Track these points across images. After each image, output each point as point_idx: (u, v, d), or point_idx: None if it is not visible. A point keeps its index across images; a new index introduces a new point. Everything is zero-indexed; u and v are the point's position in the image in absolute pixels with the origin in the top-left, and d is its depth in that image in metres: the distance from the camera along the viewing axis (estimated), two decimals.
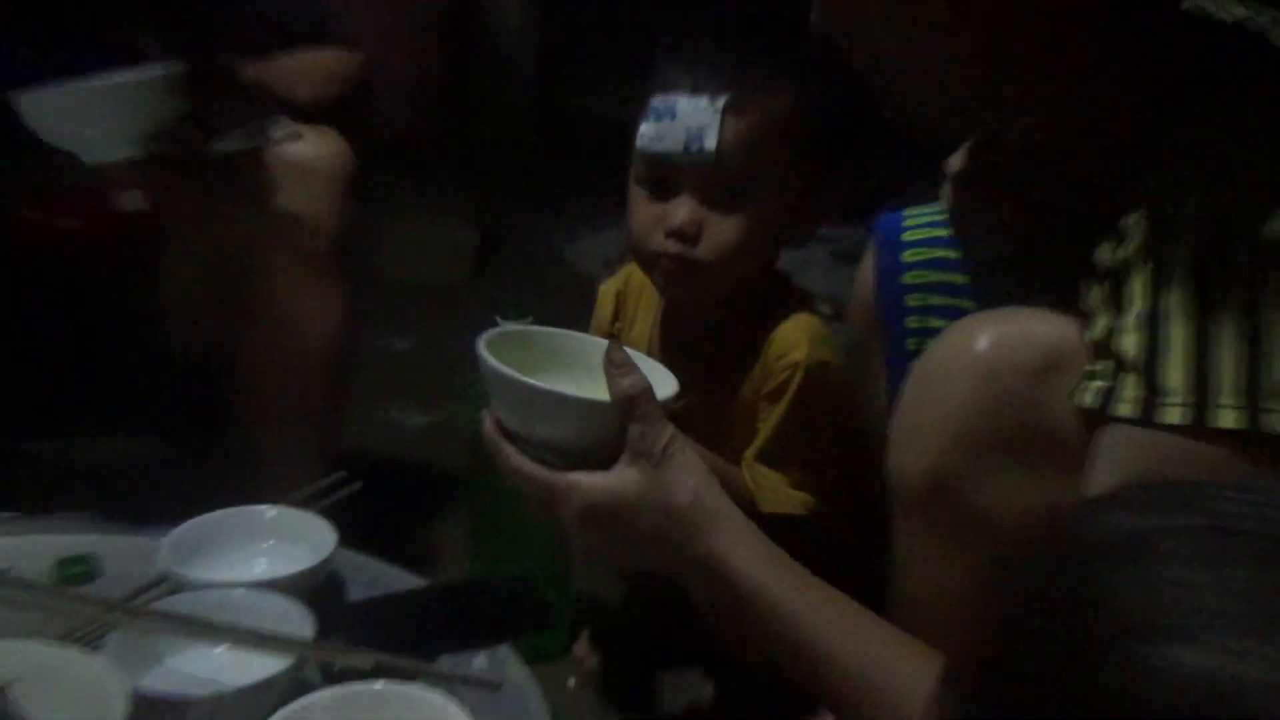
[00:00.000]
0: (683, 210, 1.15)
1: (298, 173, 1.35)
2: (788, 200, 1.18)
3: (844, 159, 1.22)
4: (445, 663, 0.96)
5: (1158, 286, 0.70)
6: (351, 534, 1.10)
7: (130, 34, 1.25)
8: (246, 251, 1.38)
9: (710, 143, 1.11)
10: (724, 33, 1.20)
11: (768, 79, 1.13)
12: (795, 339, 1.21)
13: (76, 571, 1.09)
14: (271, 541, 1.10)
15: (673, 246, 1.16)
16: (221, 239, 1.40)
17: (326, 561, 1.04)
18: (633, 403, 0.83)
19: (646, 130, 1.15)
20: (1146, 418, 0.69)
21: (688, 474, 0.82)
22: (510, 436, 0.87)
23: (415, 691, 0.86)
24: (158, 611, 0.95)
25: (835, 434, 1.20)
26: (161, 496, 1.20)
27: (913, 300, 1.05)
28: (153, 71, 1.19)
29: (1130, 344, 0.71)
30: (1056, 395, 0.76)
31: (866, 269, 1.12)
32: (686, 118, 1.12)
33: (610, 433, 0.84)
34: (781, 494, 1.18)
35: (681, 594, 1.25)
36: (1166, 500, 0.44)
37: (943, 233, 1.04)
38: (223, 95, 1.28)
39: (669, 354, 1.21)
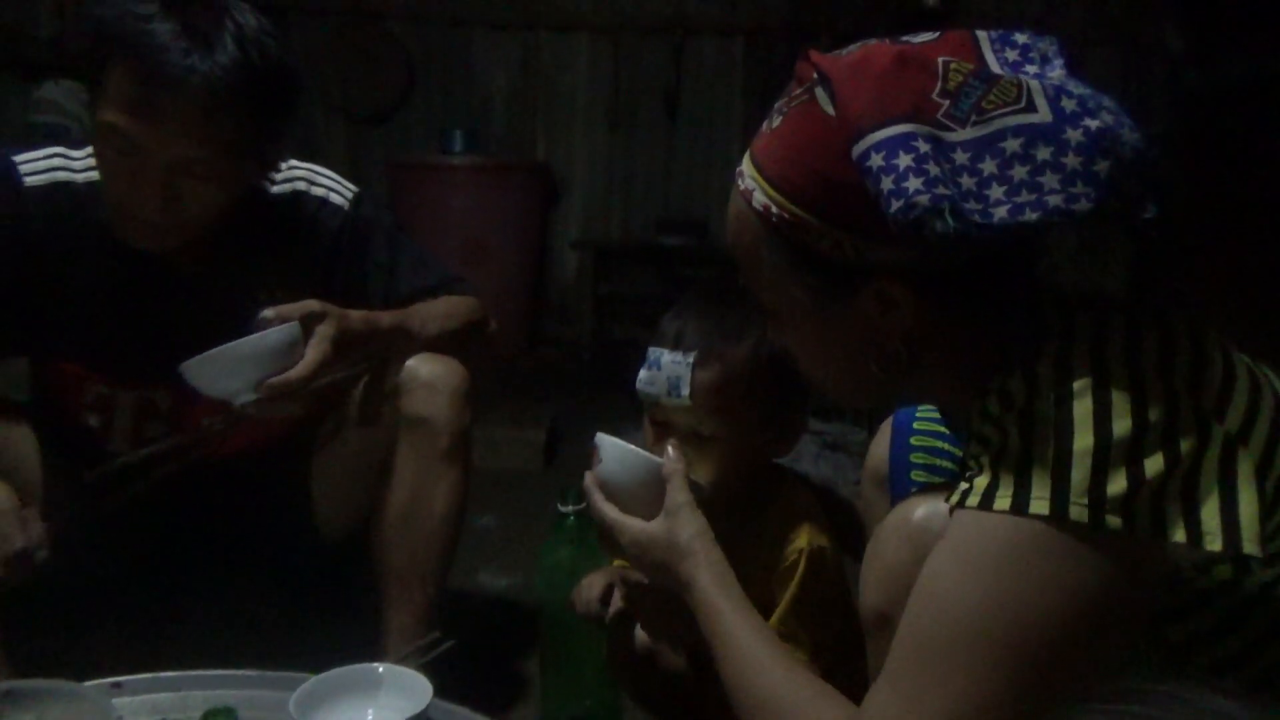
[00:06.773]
0: (669, 452, 1.05)
1: (430, 388, 1.32)
2: (758, 425, 1.12)
3: (803, 387, 1.12)
4: None
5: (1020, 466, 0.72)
6: (445, 682, 1.03)
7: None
8: (386, 448, 1.34)
9: (685, 390, 1.07)
10: (697, 299, 1.15)
11: (727, 338, 1.09)
12: (798, 529, 1.14)
13: None
14: (380, 693, 1.03)
15: None
16: (366, 440, 1.36)
17: (423, 712, 0.98)
18: (668, 478, 0.96)
19: (642, 376, 1.11)
20: (1020, 510, 0.70)
21: (688, 526, 0.94)
22: (602, 488, 1.01)
23: None
24: None
25: (837, 602, 1.13)
26: (298, 652, 1.14)
27: (916, 458, 1.09)
28: (279, 334, 1.14)
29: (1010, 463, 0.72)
30: None
31: (880, 448, 1.13)
32: (667, 369, 1.08)
33: (655, 497, 0.96)
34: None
35: None
36: None
37: (941, 427, 1.07)
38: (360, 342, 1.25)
39: None
